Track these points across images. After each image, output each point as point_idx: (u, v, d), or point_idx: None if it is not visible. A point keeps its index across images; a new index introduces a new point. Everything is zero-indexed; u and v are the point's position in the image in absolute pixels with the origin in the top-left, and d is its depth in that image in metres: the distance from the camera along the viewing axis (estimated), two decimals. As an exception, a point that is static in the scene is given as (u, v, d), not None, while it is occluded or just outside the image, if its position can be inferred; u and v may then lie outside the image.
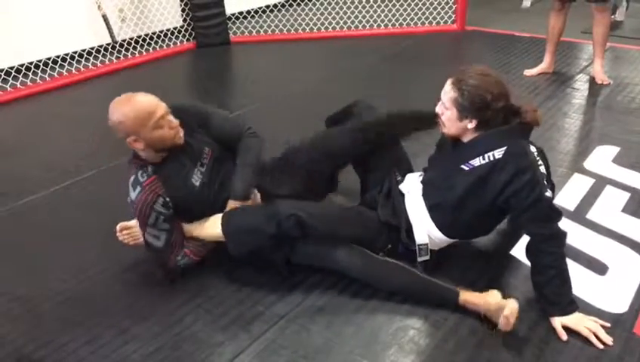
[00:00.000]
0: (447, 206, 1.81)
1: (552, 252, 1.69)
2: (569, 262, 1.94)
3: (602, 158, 2.69)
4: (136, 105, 1.79)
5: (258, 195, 2.01)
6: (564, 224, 2.16)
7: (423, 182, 1.93)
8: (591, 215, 2.25)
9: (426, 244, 1.86)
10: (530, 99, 3.40)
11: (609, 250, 2.04)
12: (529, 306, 1.77)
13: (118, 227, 2.02)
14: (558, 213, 1.71)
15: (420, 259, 1.87)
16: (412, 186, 1.93)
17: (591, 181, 2.49)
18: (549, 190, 1.68)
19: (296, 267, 1.93)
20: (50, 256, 2.19)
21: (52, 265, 2.13)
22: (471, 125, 1.74)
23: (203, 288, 1.95)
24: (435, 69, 4.04)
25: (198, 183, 1.92)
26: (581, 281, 1.86)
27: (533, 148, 1.72)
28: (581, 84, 3.65)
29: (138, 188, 1.84)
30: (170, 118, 1.83)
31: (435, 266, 1.90)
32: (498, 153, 1.70)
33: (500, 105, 1.71)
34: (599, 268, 1.96)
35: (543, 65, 3.81)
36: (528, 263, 1.91)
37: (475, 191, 1.75)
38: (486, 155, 1.72)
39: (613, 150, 2.75)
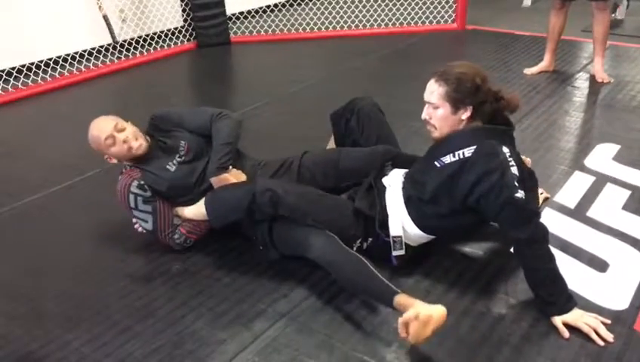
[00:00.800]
0: (420, 201, 1.81)
1: (535, 254, 1.66)
2: (570, 259, 1.96)
3: (603, 156, 2.69)
4: (90, 132, 2.07)
5: (240, 173, 2.11)
6: (565, 222, 2.19)
7: (405, 176, 1.94)
8: (591, 212, 2.25)
9: (400, 237, 1.85)
10: (531, 97, 3.41)
11: (610, 247, 2.04)
12: (528, 304, 1.77)
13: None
14: (532, 214, 1.68)
15: (394, 253, 1.87)
16: (394, 180, 1.94)
17: (591, 179, 2.49)
18: (520, 191, 1.63)
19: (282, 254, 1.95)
20: (52, 256, 2.20)
21: (54, 264, 2.14)
22: (466, 114, 1.73)
23: (204, 286, 1.95)
24: (436, 69, 4.05)
25: (173, 169, 2.11)
26: (582, 279, 1.87)
27: (505, 149, 1.69)
28: (581, 83, 3.65)
29: (119, 177, 2.09)
30: (119, 135, 2.04)
31: (412, 262, 1.90)
32: (468, 151, 1.69)
33: (487, 88, 1.72)
34: (600, 265, 1.96)
35: (544, 64, 3.82)
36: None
37: (446, 190, 1.74)
38: (456, 153, 1.71)
39: (613, 148, 2.76)
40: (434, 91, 1.75)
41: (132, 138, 2.05)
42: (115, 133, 2.04)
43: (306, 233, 1.84)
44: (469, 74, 1.72)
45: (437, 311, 1.54)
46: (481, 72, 1.76)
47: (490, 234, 2.05)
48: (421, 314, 1.52)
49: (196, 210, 2.03)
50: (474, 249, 2.06)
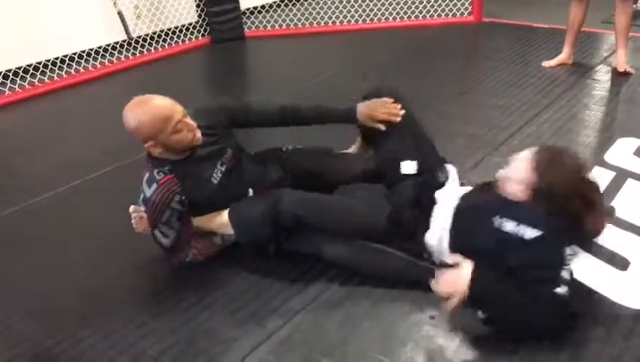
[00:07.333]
0: (463, 246, 1.71)
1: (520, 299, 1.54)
2: (590, 257, 1.93)
3: (623, 151, 2.63)
4: (152, 110, 1.76)
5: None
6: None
7: (458, 206, 1.78)
8: (612, 209, 2.20)
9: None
10: (550, 90, 3.34)
11: (631, 244, 2.00)
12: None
13: (131, 208, 1.95)
14: (566, 309, 1.56)
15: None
16: (448, 199, 1.82)
17: (612, 174, 2.44)
18: (561, 288, 1.53)
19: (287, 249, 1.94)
20: (69, 252, 2.21)
21: (71, 261, 2.15)
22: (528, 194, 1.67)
23: (219, 284, 1.95)
24: (452, 62, 3.98)
25: (216, 182, 1.94)
26: (602, 277, 1.83)
27: (569, 251, 1.60)
28: (602, 75, 3.57)
29: (154, 186, 1.82)
30: (188, 120, 1.81)
31: None
32: (532, 233, 1.58)
33: (576, 204, 1.64)
34: (621, 263, 1.91)
35: (562, 57, 3.74)
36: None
37: (492, 249, 1.63)
38: (521, 226, 1.59)
39: (634, 142, 2.69)
40: (522, 170, 1.68)
41: (196, 127, 1.83)
42: (185, 119, 1.81)
43: (319, 240, 1.85)
44: (563, 185, 1.63)
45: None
46: (577, 181, 1.66)
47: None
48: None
49: (218, 221, 1.95)
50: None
